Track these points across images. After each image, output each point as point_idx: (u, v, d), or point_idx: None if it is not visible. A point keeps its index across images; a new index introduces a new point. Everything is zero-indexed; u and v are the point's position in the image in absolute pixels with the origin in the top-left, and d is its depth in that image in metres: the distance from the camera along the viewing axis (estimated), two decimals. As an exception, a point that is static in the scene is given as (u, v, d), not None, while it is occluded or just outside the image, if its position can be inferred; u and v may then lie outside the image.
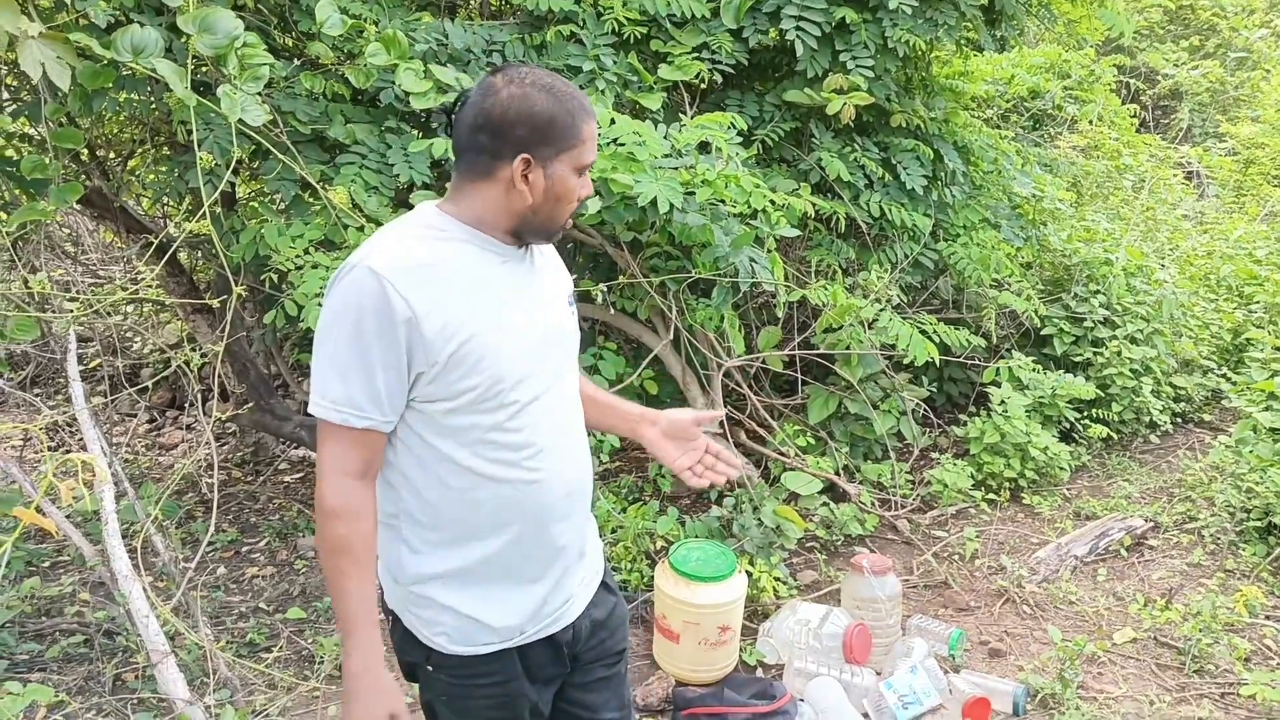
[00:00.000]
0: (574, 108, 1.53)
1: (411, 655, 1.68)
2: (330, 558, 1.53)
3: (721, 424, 4.01)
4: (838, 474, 4.15)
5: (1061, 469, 4.60)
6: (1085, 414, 4.98)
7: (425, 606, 1.62)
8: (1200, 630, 3.30)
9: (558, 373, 1.67)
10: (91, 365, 5.44)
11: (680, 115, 3.64)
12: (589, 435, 1.81)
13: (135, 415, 5.69)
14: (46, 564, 4.00)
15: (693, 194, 3.26)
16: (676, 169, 3.26)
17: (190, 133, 2.85)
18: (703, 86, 3.86)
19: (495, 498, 1.58)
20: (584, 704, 1.84)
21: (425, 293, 1.47)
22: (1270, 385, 4.32)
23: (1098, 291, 5.34)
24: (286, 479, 4.99)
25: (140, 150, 4.55)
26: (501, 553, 1.61)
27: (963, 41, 4.70)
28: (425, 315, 1.46)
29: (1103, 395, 4.99)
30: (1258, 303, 5.97)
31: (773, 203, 3.43)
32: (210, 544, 4.05)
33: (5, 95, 3.86)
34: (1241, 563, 3.85)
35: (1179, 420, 5.40)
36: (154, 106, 3.33)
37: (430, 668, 1.66)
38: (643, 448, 1.95)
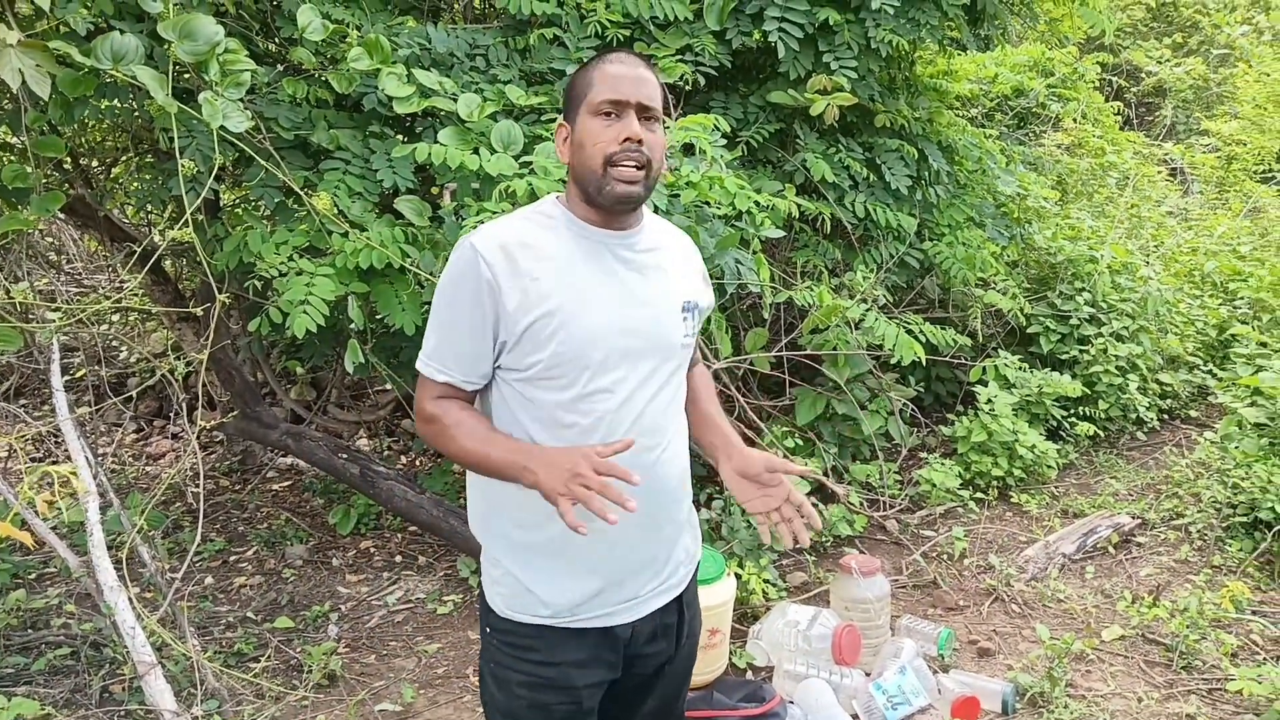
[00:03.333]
0: (593, 63, 1.63)
1: (483, 615, 1.77)
2: (451, 449, 1.64)
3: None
4: (826, 475, 4.15)
5: (1049, 467, 4.62)
6: (1072, 412, 5.00)
7: (494, 565, 1.73)
8: (1188, 627, 3.31)
9: (648, 377, 1.66)
10: (77, 375, 5.41)
11: (664, 117, 3.64)
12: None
13: (121, 425, 5.66)
14: (33, 576, 3.98)
15: (677, 196, 3.26)
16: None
17: (172, 140, 2.83)
18: (686, 88, 3.86)
19: None
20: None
21: (512, 267, 1.57)
22: (1255, 380, 4.33)
23: (1083, 289, 5.36)
24: (274, 487, 4.97)
25: (123, 158, 4.54)
26: (561, 536, 1.63)
27: (946, 41, 4.71)
28: (508, 288, 1.57)
29: (1089, 393, 5.01)
30: (1242, 298, 6.00)
31: (758, 204, 3.43)
32: (197, 553, 4.04)
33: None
34: (1228, 558, 3.86)
35: (1165, 417, 5.43)
36: (136, 114, 3.32)
37: (488, 629, 1.75)
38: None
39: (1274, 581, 3.72)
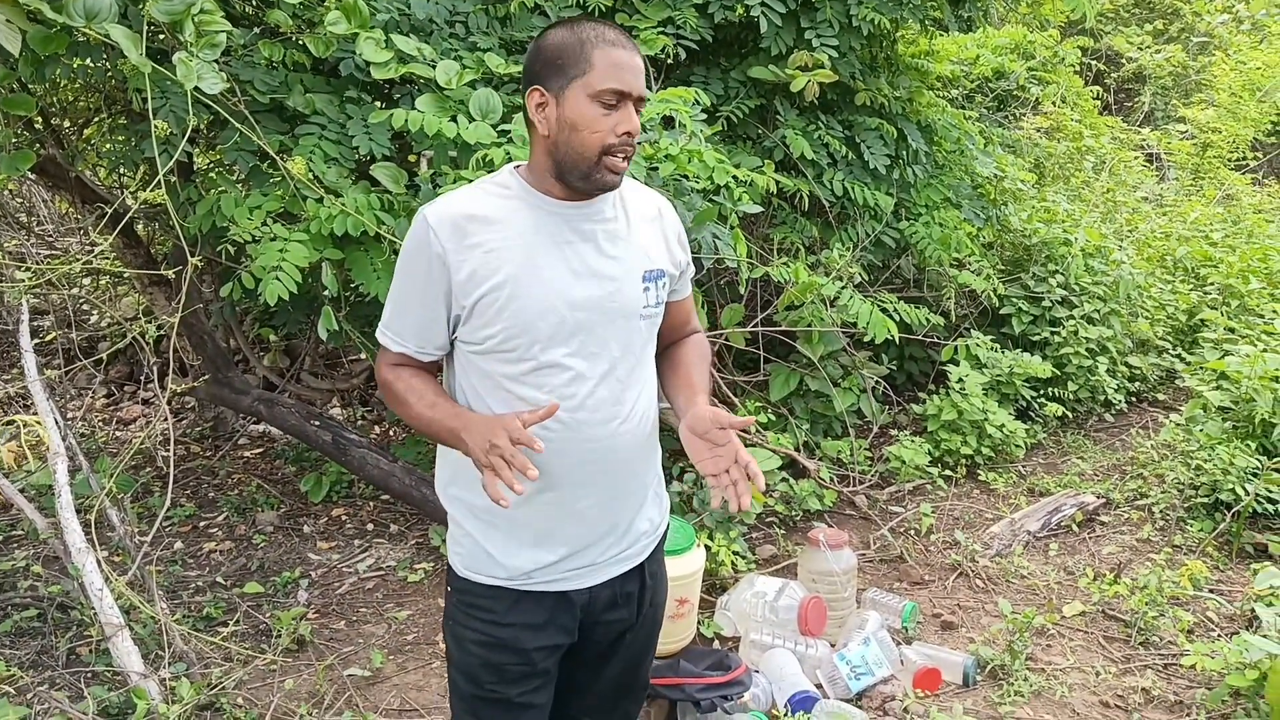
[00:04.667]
0: (588, 36, 1.54)
1: (447, 574, 1.80)
2: (404, 415, 1.69)
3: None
4: (798, 450, 4.18)
5: (1017, 446, 4.67)
6: (1042, 392, 5.06)
7: (455, 526, 1.75)
8: (1147, 604, 3.38)
9: (602, 350, 1.64)
10: (47, 339, 5.35)
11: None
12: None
13: (91, 390, 5.62)
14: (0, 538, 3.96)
15: (656, 169, 3.26)
16: (640, 143, 3.26)
17: (146, 101, 2.80)
18: (668, 61, 3.84)
19: None
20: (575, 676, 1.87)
21: (463, 241, 1.57)
22: (1221, 365, 4.40)
23: (1056, 272, 5.41)
24: (246, 454, 4.95)
25: (96, 119, 4.46)
26: (519, 505, 1.63)
27: (928, 21, 4.71)
28: (458, 262, 1.57)
29: (1059, 374, 5.07)
30: (1212, 284, 6.07)
31: (736, 179, 3.44)
32: (167, 519, 4.03)
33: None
34: (1189, 538, 3.94)
35: (1133, 399, 5.50)
36: (109, 74, 3.26)
37: (449, 588, 1.78)
38: None
39: (1231, 561, 3.79)
